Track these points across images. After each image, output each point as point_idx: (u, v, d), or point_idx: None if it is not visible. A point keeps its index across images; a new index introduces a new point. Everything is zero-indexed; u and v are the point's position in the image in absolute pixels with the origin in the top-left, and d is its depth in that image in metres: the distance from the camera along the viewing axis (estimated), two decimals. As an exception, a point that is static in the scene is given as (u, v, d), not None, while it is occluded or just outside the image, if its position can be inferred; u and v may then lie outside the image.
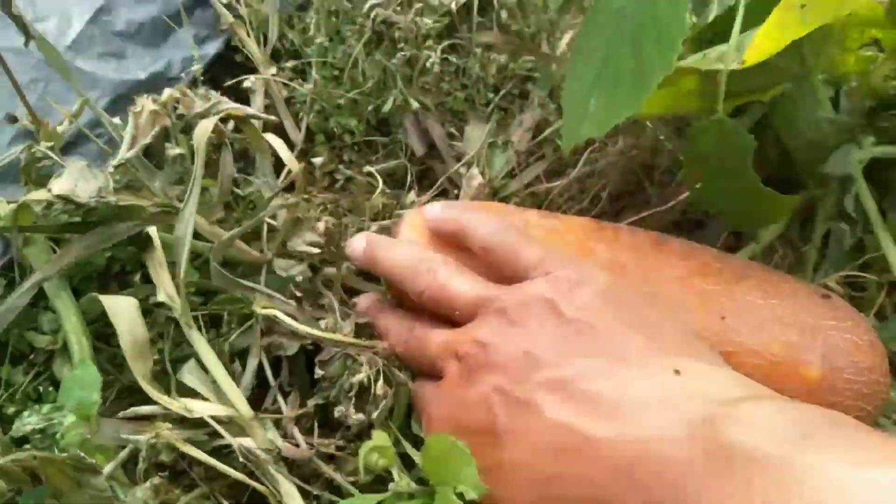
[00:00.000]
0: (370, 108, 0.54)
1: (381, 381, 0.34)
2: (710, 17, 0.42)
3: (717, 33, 0.40)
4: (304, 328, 0.36)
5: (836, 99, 0.44)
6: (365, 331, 0.39)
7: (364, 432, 0.36)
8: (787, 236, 0.45)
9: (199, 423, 0.37)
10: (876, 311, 0.43)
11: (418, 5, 0.51)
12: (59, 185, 0.38)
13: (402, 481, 0.32)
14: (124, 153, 0.41)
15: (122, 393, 0.40)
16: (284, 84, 0.55)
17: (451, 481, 0.31)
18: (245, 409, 0.36)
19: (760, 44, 0.32)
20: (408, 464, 0.36)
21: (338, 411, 0.35)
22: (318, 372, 0.36)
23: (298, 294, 0.38)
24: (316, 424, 0.39)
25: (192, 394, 0.39)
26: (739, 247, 0.44)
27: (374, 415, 0.35)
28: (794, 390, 0.34)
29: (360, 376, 0.34)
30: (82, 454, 0.30)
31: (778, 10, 0.31)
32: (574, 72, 0.40)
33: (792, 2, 0.31)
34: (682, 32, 0.33)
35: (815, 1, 0.31)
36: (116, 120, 0.45)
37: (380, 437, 0.34)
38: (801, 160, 0.42)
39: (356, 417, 0.34)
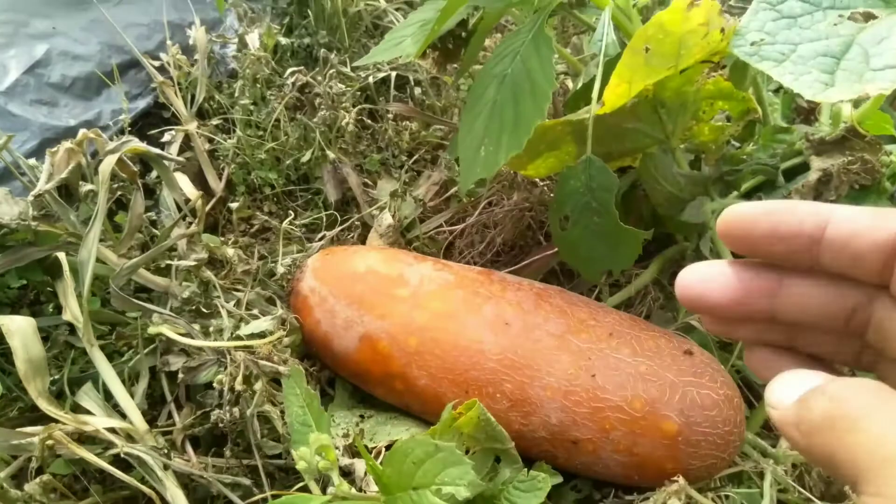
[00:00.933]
0: (290, 162, 0.58)
1: (238, 378, 0.36)
2: (583, 83, 0.49)
3: (585, 99, 0.46)
4: (186, 340, 0.38)
5: (697, 163, 0.50)
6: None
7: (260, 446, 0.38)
8: (660, 282, 0.50)
9: (96, 442, 0.38)
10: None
11: (333, 71, 0.56)
12: (-19, 207, 0.40)
13: (341, 485, 0.32)
14: (42, 185, 0.44)
15: (23, 412, 0.40)
16: (208, 139, 0.59)
17: (430, 484, 0.30)
18: (139, 421, 0.37)
19: (616, 87, 0.37)
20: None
21: (214, 415, 0.36)
22: (181, 376, 0.37)
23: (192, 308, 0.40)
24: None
25: (88, 415, 0.40)
26: (620, 285, 0.49)
27: (248, 411, 0.36)
28: (655, 442, 0.38)
29: (221, 377, 0.36)
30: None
31: (626, 53, 0.36)
32: (466, 125, 0.45)
33: (637, 46, 0.36)
34: (551, 85, 0.39)
35: (657, 44, 0.36)
36: (32, 161, 0.48)
37: (321, 438, 0.35)
38: (665, 213, 0.47)
39: (227, 417, 0.35)
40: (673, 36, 0.36)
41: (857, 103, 0.45)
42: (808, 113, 0.58)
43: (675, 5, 0.33)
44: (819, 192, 0.43)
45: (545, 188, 0.55)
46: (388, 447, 0.40)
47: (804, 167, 0.45)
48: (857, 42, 0.34)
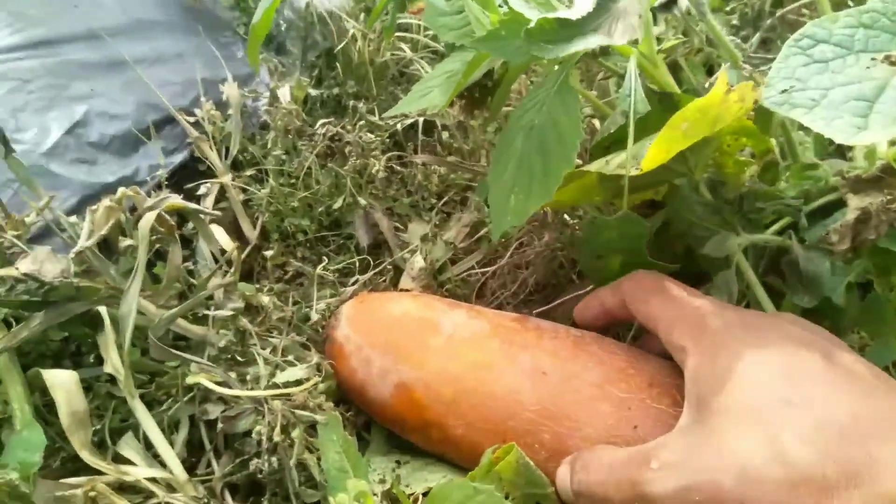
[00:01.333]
0: (322, 208, 0.59)
1: (276, 429, 0.36)
2: (609, 129, 0.49)
3: (614, 142, 0.46)
4: (222, 389, 0.39)
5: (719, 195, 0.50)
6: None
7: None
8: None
9: (137, 491, 0.38)
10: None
11: (362, 122, 0.58)
12: (25, 265, 0.41)
13: None
14: (83, 242, 0.45)
15: (66, 462, 0.41)
16: (242, 189, 0.60)
17: None
18: (179, 470, 0.37)
19: (653, 155, 0.38)
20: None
21: (253, 464, 0.36)
22: (220, 426, 0.37)
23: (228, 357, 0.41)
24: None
25: (129, 465, 0.40)
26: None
27: (288, 462, 0.36)
28: None
29: (259, 427, 0.36)
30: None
31: (666, 129, 0.37)
32: (496, 175, 0.46)
33: (676, 123, 0.36)
34: (578, 136, 0.40)
35: (694, 122, 0.37)
36: (73, 218, 0.50)
37: (359, 484, 0.35)
38: (692, 244, 0.47)
39: (266, 467, 0.35)
40: (710, 114, 0.37)
41: (893, 142, 0.45)
42: (842, 146, 0.57)
43: (713, 93, 0.34)
44: (858, 231, 0.42)
45: (576, 227, 0.55)
46: (425, 494, 0.39)
47: (839, 203, 0.45)
48: (891, 85, 0.34)
